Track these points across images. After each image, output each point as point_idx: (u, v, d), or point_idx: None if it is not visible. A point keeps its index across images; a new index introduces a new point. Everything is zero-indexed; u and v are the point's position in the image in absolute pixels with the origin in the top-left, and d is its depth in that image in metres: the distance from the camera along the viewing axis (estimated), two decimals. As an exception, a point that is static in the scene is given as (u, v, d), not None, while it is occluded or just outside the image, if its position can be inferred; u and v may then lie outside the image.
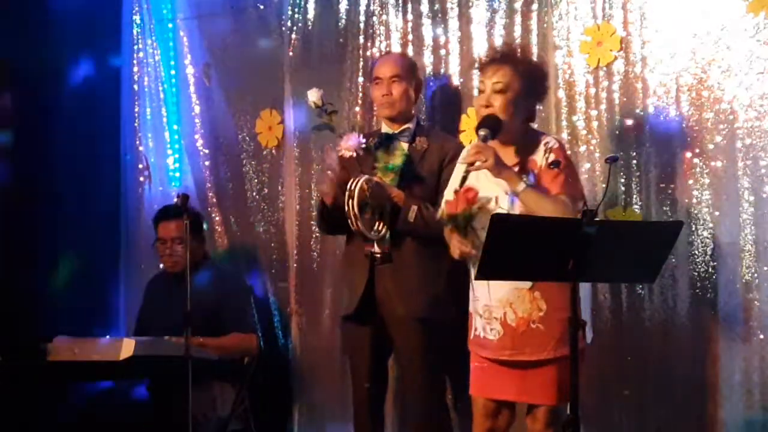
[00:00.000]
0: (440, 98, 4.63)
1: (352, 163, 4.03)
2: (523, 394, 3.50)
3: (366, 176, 3.96)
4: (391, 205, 4.00)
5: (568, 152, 4.22)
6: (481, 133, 3.39)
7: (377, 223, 4.02)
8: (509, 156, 3.48)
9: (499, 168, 3.35)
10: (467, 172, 3.35)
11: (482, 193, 3.46)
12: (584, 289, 3.74)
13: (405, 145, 4.16)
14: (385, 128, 4.23)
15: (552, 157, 3.42)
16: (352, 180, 3.93)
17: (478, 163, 3.33)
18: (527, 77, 3.49)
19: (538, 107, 3.71)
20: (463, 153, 3.53)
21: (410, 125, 4.19)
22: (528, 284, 3.41)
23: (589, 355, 3.57)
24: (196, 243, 4.49)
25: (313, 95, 4.09)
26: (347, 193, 3.91)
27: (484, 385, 3.56)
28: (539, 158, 3.45)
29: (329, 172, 4.02)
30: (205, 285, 4.46)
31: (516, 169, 3.45)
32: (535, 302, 3.42)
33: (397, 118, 4.19)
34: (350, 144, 4.00)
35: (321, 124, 4.11)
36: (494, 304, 3.46)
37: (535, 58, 3.73)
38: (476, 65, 3.70)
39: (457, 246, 3.45)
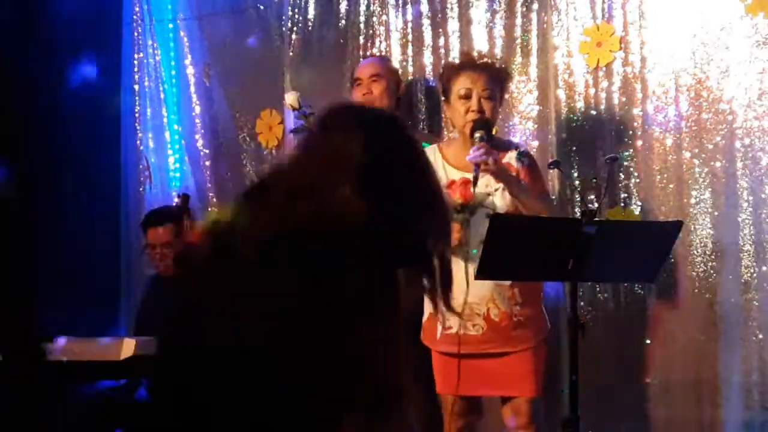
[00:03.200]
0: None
1: None
2: (500, 388, 3.53)
3: None
4: None
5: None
6: (478, 134, 3.43)
7: None
8: None
9: (503, 174, 3.44)
10: (477, 172, 3.38)
11: (481, 189, 3.49)
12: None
13: None
14: None
15: (527, 161, 3.53)
16: None
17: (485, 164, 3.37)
18: (502, 85, 3.63)
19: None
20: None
21: None
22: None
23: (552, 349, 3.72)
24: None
25: (290, 98, 4.09)
26: None
27: (456, 383, 3.52)
28: (514, 162, 3.54)
29: None
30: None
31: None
32: (515, 297, 3.49)
33: None
34: None
35: (299, 127, 4.12)
36: (476, 301, 3.47)
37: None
38: (453, 67, 3.70)
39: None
